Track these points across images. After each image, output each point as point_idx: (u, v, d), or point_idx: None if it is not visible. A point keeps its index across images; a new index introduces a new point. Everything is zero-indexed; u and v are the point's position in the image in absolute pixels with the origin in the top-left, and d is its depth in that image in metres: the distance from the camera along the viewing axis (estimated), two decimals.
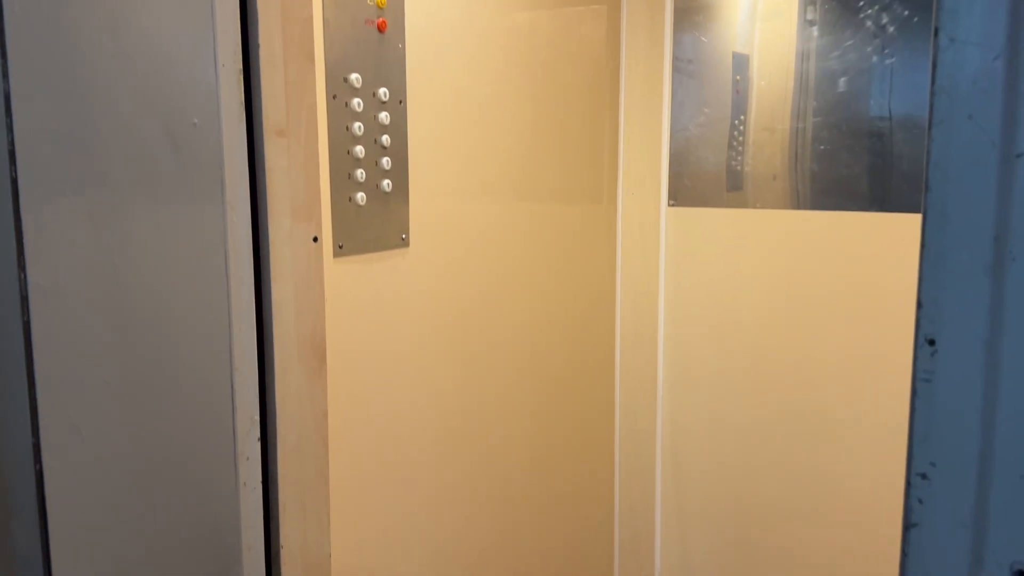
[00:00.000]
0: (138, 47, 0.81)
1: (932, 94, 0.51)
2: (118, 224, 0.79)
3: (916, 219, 1.72)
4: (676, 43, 2.01)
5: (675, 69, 2.02)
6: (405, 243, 1.40)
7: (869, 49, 1.79)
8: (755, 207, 1.94)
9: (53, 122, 0.71)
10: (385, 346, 1.39)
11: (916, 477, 0.54)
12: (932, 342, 0.52)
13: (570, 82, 1.85)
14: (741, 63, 1.97)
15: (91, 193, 0.76)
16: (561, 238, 1.87)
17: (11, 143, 0.67)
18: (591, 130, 1.95)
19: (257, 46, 1.02)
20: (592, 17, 1.93)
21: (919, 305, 0.53)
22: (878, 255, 1.79)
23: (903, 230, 1.74)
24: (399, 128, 1.36)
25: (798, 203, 1.90)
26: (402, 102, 1.37)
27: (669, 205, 2.04)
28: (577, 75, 1.88)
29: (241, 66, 0.99)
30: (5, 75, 0.67)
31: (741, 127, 1.97)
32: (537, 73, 1.73)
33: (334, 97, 1.24)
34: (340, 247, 1.27)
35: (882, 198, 1.80)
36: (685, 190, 2.03)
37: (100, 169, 0.77)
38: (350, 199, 1.28)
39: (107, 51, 0.77)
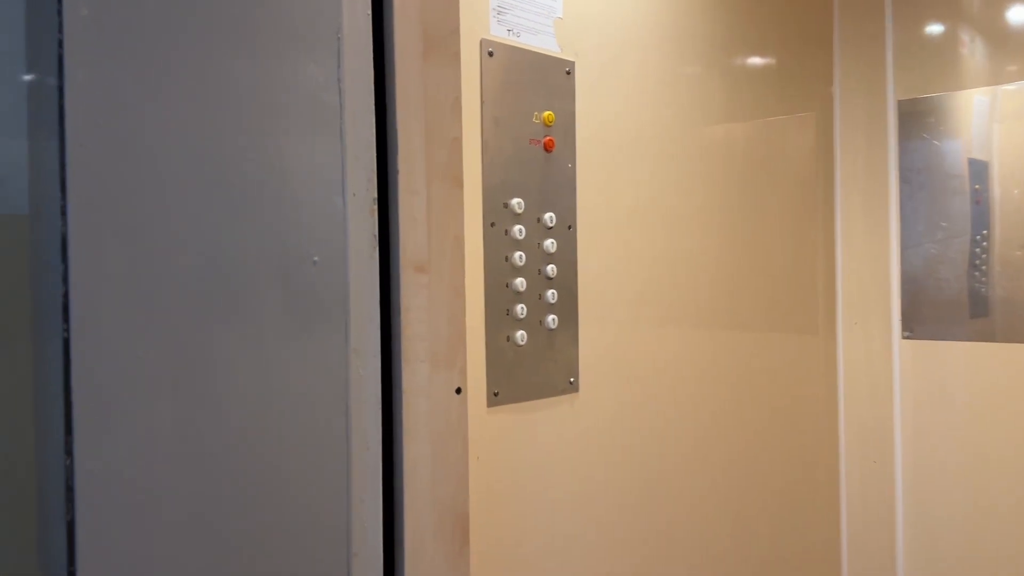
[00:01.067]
0: (240, 179, 0.70)
1: None
2: (203, 387, 0.66)
3: None
4: (902, 150, 1.73)
5: (902, 180, 1.73)
6: (574, 388, 1.21)
7: None
8: (1011, 341, 1.57)
9: (120, 269, 0.60)
10: (548, 515, 1.18)
11: None
12: None
13: (773, 197, 1.62)
14: (979, 171, 1.66)
15: (167, 354, 0.63)
16: (767, 376, 1.60)
17: (65, 295, 0.56)
18: (801, 251, 1.69)
19: (396, 171, 0.90)
20: (798, 125, 1.71)
21: None
22: None
23: None
24: (567, 256, 1.20)
25: None
26: (571, 227, 1.20)
27: (903, 337, 1.71)
28: (782, 189, 1.65)
29: (376, 194, 0.87)
30: (63, 213, 0.56)
31: (984, 244, 1.63)
32: (733, 189, 1.52)
33: (492, 225, 1.10)
34: (495, 395, 1.10)
35: None
36: (923, 320, 1.69)
37: (177, 324, 0.64)
38: (508, 338, 1.12)
39: (190, 183, 0.66)
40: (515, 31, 1.14)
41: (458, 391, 0.95)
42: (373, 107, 0.87)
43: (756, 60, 1.60)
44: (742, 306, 1.56)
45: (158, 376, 0.62)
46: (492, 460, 1.10)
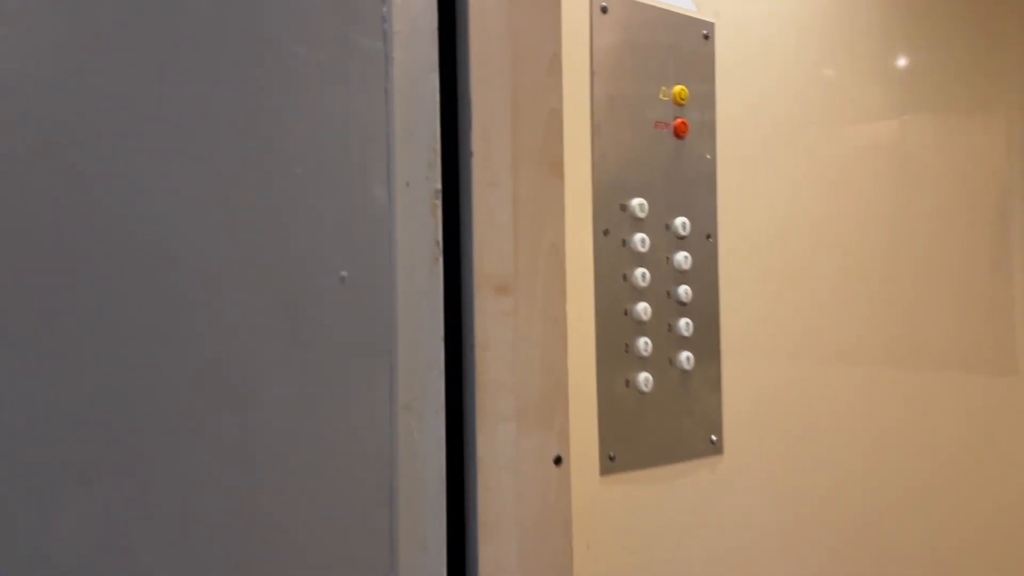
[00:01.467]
0: (220, 154, 0.46)
1: None
2: (146, 471, 0.42)
3: None
4: None
5: None
6: (716, 448, 0.94)
7: None
8: None
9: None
10: None
11: None
12: None
13: (958, 209, 1.33)
14: None
15: (88, 420, 0.40)
16: (953, 430, 1.29)
17: None
18: (992, 274, 1.38)
19: (469, 153, 0.65)
20: (986, 121, 1.39)
21: None
22: None
23: None
24: (706, 275, 0.94)
25: None
26: (711, 237, 0.94)
27: None
28: (968, 200, 1.35)
29: (439, 184, 0.62)
30: None
31: None
32: (911, 199, 1.25)
33: (605, 232, 0.85)
34: (611, 459, 0.84)
35: None
36: None
37: (107, 368, 0.41)
38: (628, 383, 0.86)
39: (130, 156, 0.43)
40: None
41: (558, 461, 0.68)
42: (437, 62, 0.62)
43: (937, 45, 1.30)
44: (923, 340, 1.26)
45: (68, 461, 0.38)
46: (607, 548, 0.83)
